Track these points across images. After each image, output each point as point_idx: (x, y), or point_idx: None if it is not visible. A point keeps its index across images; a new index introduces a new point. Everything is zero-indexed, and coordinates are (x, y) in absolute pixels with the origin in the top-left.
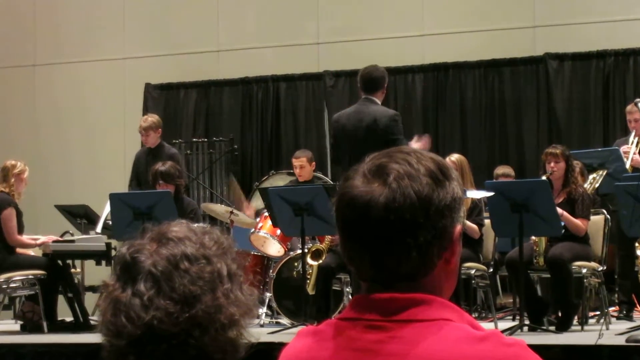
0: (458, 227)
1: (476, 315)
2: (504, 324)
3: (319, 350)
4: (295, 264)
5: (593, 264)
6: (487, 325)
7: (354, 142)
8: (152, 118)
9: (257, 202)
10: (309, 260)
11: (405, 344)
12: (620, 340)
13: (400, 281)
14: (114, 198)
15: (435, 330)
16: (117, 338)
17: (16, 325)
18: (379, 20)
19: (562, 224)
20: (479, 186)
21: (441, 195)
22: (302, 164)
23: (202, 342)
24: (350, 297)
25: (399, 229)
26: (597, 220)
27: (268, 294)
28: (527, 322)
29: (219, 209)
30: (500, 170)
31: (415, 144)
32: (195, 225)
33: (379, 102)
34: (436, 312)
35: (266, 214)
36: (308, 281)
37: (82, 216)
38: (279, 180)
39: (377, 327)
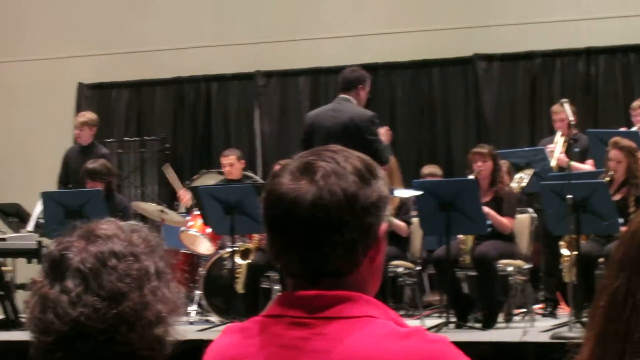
0: (384, 226)
1: (403, 312)
2: (430, 321)
3: (244, 347)
4: (225, 262)
5: (519, 262)
6: (414, 323)
7: (328, 139)
8: (90, 115)
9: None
10: (238, 259)
11: (329, 341)
12: (545, 337)
13: (326, 278)
14: (46, 196)
15: (359, 327)
16: (45, 334)
17: None
18: (312, 20)
19: (489, 222)
20: (407, 185)
21: (367, 194)
22: (231, 162)
23: (129, 339)
24: None
25: (326, 226)
26: (523, 219)
27: (198, 292)
28: (453, 319)
29: (150, 208)
30: (427, 169)
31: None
32: (124, 223)
33: (355, 102)
34: (361, 309)
35: (196, 212)
36: (237, 279)
37: (13, 214)
38: (209, 179)
39: (302, 324)
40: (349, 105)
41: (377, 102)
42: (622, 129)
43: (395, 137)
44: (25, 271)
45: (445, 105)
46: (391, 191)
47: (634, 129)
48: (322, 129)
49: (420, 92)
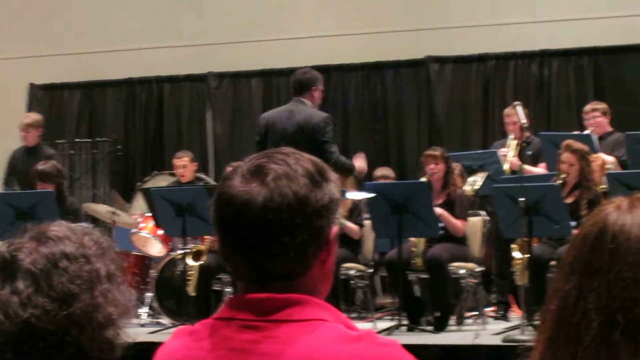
0: (334, 229)
1: (355, 315)
2: (382, 324)
3: (194, 349)
4: (177, 264)
5: (471, 265)
6: (365, 325)
7: (282, 140)
8: (35, 116)
9: (140, 202)
10: (190, 261)
11: (279, 344)
12: (497, 340)
13: (276, 281)
14: None
15: (309, 330)
16: None
17: None
18: (265, 21)
19: (441, 224)
20: (359, 187)
21: (318, 196)
22: (184, 164)
23: (79, 341)
24: None
25: (276, 229)
26: (475, 222)
27: (149, 294)
28: (405, 322)
29: (101, 209)
30: (380, 172)
31: (358, 161)
32: (76, 225)
33: (309, 104)
34: (311, 312)
35: (148, 214)
36: (189, 281)
37: None
38: (161, 181)
39: (252, 326)
40: (304, 107)
41: (330, 104)
42: (575, 132)
43: (348, 139)
44: None
45: (398, 108)
46: (343, 193)
47: (586, 132)
48: (277, 130)
49: (373, 94)
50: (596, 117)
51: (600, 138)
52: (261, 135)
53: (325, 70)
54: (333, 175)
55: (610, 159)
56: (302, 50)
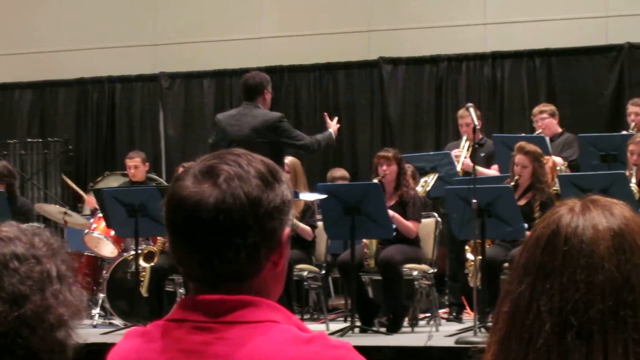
0: (287, 230)
1: (308, 316)
2: (335, 326)
3: (146, 351)
4: (129, 265)
5: (424, 267)
6: (318, 327)
7: (238, 144)
8: None
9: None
10: (142, 262)
11: (231, 346)
12: (450, 342)
13: (228, 282)
14: None
15: (261, 332)
16: None
17: None
18: (215, 22)
19: (394, 226)
20: (312, 189)
21: (270, 197)
22: (136, 164)
23: (30, 342)
24: None
25: (228, 230)
26: (428, 223)
27: (101, 295)
28: (358, 323)
29: (53, 210)
30: (337, 172)
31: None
32: (26, 225)
33: (262, 107)
34: (263, 314)
35: (100, 215)
36: (141, 282)
37: None
38: (113, 181)
39: (204, 328)
40: (257, 111)
41: (282, 106)
42: (527, 134)
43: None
44: None
45: (351, 109)
46: (295, 195)
47: (536, 133)
48: (232, 135)
49: (325, 96)
50: (544, 118)
51: (550, 139)
52: (216, 137)
53: (277, 71)
54: (285, 177)
55: (560, 160)
56: (254, 51)
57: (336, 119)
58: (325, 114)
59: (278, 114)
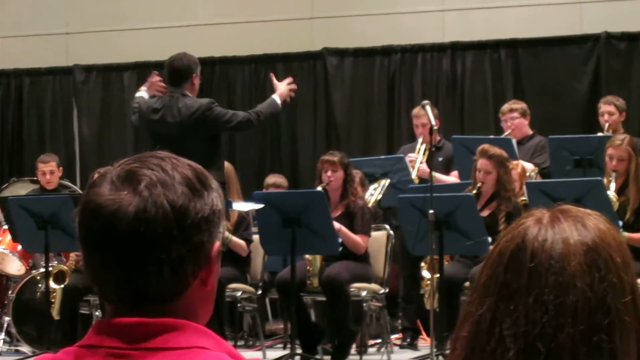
0: (216, 244)
1: (242, 343)
2: (273, 353)
3: None
4: (39, 284)
5: (374, 286)
6: (254, 355)
7: (165, 141)
8: None
9: None
10: (52, 283)
11: None
12: None
13: (149, 303)
14: None
15: None
16: None
17: None
18: (138, 8)
19: (340, 240)
20: (247, 197)
21: (198, 207)
22: (52, 169)
23: None
24: None
25: (150, 243)
26: (379, 237)
27: (7, 318)
28: (299, 351)
29: None
30: (271, 179)
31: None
32: None
33: (190, 94)
34: (190, 339)
35: (5, 227)
36: (52, 304)
37: None
38: (20, 189)
39: (121, 355)
40: (186, 100)
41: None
42: (492, 136)
43: (234, 141)
44: None
45: (291, 106)
46: (228, 204)
47: (503, 135)
48: (157, 129)
49: (262, 91)
50: (514, 118)
51: (519, 142)
52: (139, 121)
53: (207, 63)
54: (215, 183)
55: (530, 166)
56: (182, 41)
57: (290, 79)
58: (271, 73)
59: (207, 99)
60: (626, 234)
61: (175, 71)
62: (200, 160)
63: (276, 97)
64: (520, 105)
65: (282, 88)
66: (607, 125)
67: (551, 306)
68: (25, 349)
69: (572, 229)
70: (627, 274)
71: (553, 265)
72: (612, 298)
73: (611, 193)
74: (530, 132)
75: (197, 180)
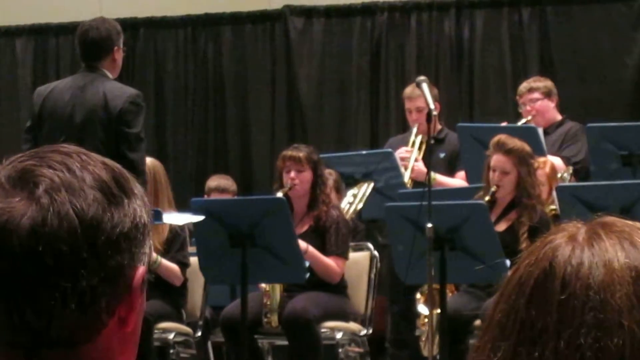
0: (140, 270)
1: None
2: None
3: None
4: None
5: (352, 326)
6: None
7: (66, 128)
8: None
9: None
10: None
11: None
12: None
13: (50, 349)
14: None
15: None
16: None
17: None
18: None
19: (307, 264)
20: (182, 206)
21: (116, 219)
22: None
23: None
24: None
25: (51, 267)
26: (360, 260)
27: None
28: None
29: None
30: (214, 182)
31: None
32: None
33: (109, 74)
34: None
35: None
36: None
37: None
38: None
39: None
40: (103, 81)
41: (135, 79)
42: (510, 124)
43: (163, 128)
44: None
45: (241, 84)
46: (156, 215)
47: (521, 122)
48: (59, 118)
49: (203, 62)
50: (535, 100)
51: (544, 132)
52: (34, 121)
53: (128, 27)
54: (139, 188)
55: (561, 163)
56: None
57: None
58: None
59: (135, 91)
60: None
61: (90, 43)
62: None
63: None
64: (543, 83)
65: None
66: None
67: (589, 352)
68: None
69: (617, 249)
70: None
71: (591, 298)
72: None
73: None
74: (559, 117)
75: (115, 184)
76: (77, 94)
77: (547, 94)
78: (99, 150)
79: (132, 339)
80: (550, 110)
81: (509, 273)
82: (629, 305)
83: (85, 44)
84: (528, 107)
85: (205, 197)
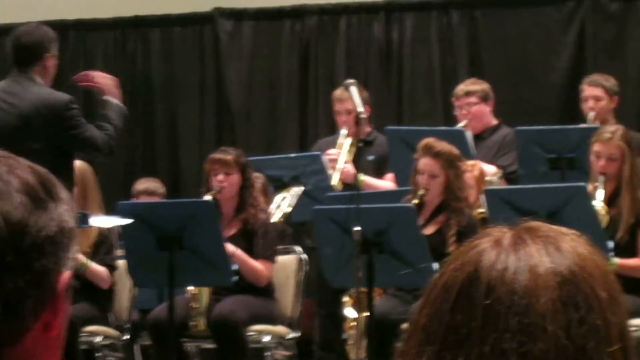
0: (66, 274)
1: None
2: None
3: None
4: None
5: (280, 329)
6: None
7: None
8: None
9: None
10: None
11: None
12: None
13: None
14: None
15: None
16: None
17: None
18: None
19: (235, 267)
20: (110, 210)
21: (41, 223)
22: None
23: None
24: None
25: None
26: (287, 263)
27: None
28: None
29: None
30: (143, 185)
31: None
32: None
33: (41, 80)
34: None
35: None
36: None
37: None
38: None
39: None
40: (33, 88)
41: (65, 81)
42: (440, 128)
43: None
44: None
45: (169, 86)
46: (83, 219)
47: (458, 126)
48: None
49: (132, 65)
50: (472, 104)
51: (479, 136)
52: None
53: (58, 28)
54: (65, 193)
55: (492, 168)
56: (20, 2)
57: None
58: (83, 76)
59: (67, 97)
60: (617, 259)
61: (22, 48)
62: (45, 166)
63: (111, 99)
64: (480, 86)
65: (108, 84)
66: (592, 113)
67: (513, 357)
68: None
69: (542, 254)
70: (614, 315)
71: (516, 303)
72: (594, 346)
73: (598, 204)
74: (494, 122)
75: (42, 188)
76: (8, 99)
77: (484, 98)
78: (29, 155)
79: (57, 343)
80: (486, 114)
81: (435, 277)
82: (553, 311)
83: (16, 49)
84: (464, 111)
85: (133, 200)
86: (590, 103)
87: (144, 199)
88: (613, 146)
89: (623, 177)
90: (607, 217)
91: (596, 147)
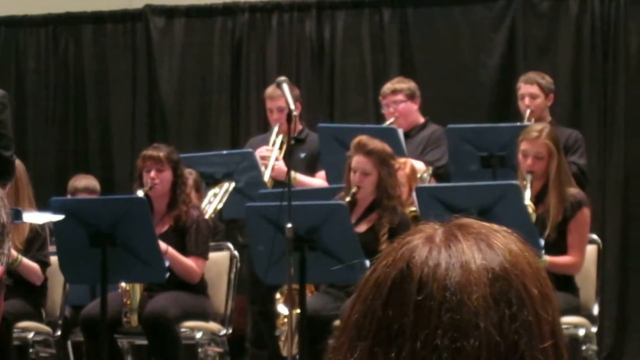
0: (0, 270)
1: None
2: None
3: None
4: None
5: (212, 326)
6: None
7: None
8: None
9: None
10: None
11: None
12: None
13: None
14: None
15: None
16: None
17: None
18: None
19: (167, 264)
20: (43, 206)
21: None
22: None
23: None
24: None
25: None
26: (219, 260)
27: None
28: None
29: None
30: (82, 181)
31: None
32: None
33: None
34: None
35: None
36: None
37: None
38: None
39: None
40: None
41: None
42: (372, 125)
43: (23, 129)
44: None
45: (101, 84)
46: (16, 215)
47: (386, 124)
48: None
49: (64, 62)
50: (398, 102)
51: (407, 134)
52: None
53: None
54: None
55: (422, 165)
56: None
57: None
58: None
59: (1, 90)
60: (547, 257)
61: None
62: None
63: None
64: (407, 84)
65: None
66: (528, 111)
67: (445, 353)
68: None
69: (474, 251)
70: (546, 311)
71: (448, 299)
72: (526, 343)
73: (526, 202)
74: (421, 120)
75: None
76: None
77: (411, 96)
78: None
79: None
80: (413, 112)
81: (367, 274)
82: (485, 307)
83: None
84: (391, 109)
85: (69, 196)
86: (527, 101)
87: (83, 196)
88: (540, 145)
89: (550, 175)
90: (534, 216)
91: (523, 145)
